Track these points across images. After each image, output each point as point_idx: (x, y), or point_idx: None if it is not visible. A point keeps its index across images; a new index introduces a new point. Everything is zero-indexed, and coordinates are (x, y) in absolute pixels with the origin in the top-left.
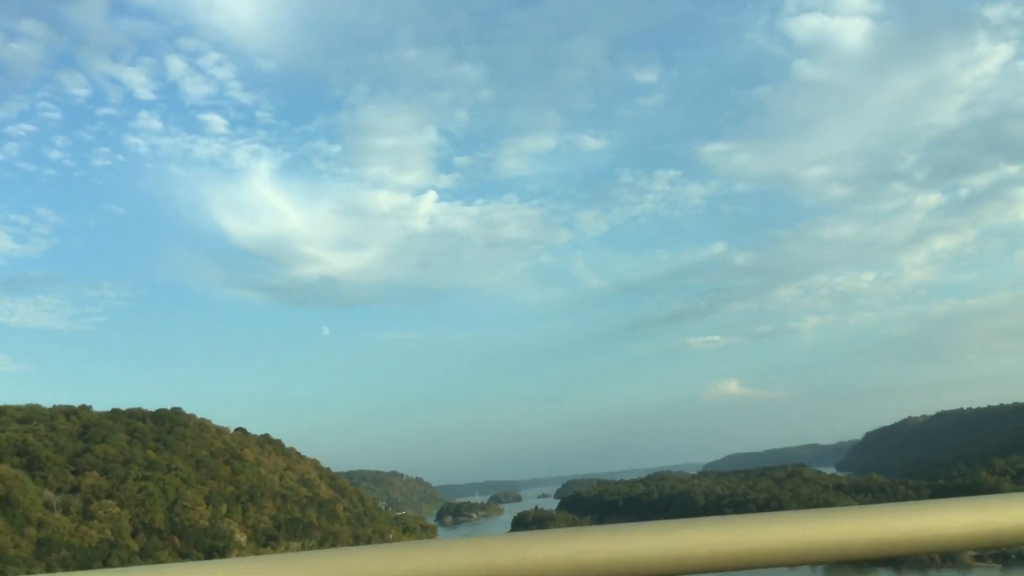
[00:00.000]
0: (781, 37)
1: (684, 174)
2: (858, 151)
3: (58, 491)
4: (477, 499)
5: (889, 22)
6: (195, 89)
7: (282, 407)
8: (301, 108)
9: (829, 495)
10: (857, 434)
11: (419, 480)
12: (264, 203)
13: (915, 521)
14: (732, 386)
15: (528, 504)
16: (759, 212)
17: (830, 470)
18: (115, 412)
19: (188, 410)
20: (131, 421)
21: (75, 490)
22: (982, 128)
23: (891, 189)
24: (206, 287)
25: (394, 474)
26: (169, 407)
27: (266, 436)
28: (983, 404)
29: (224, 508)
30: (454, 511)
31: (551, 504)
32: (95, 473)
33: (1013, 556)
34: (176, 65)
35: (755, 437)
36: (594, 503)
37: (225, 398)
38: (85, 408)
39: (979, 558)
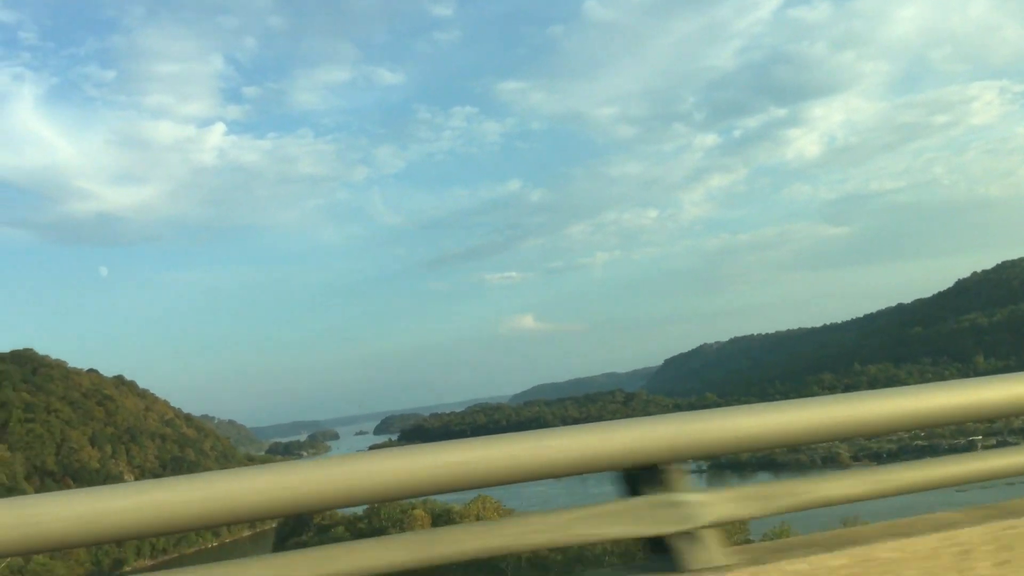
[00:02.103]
0: None
1: (481, 111)
2: (643, 92)
3: None
4: (303, 438)
5: None
6: None
7: (72, 350)
8: (70, 29)
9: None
10: (651, 361)
11: (232, 423)
12: (28, 132)
13: (814, 414)
14: (528, 320)
15: (347, 442)
16: (553, 150)
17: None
18: None
19: None
20: None
21: None
22: (755, 72)
23: (673, 130)
24: None
25: (205, 417)
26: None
27: (120, 377)
28: (771, 330)
29: (110, 449)
30: (283, 450)
31: (381, 438)
32: None
33: (885, 455)
34: None
35: (555, 368)
36: (439, 434)
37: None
38: None
39: (855, 458)
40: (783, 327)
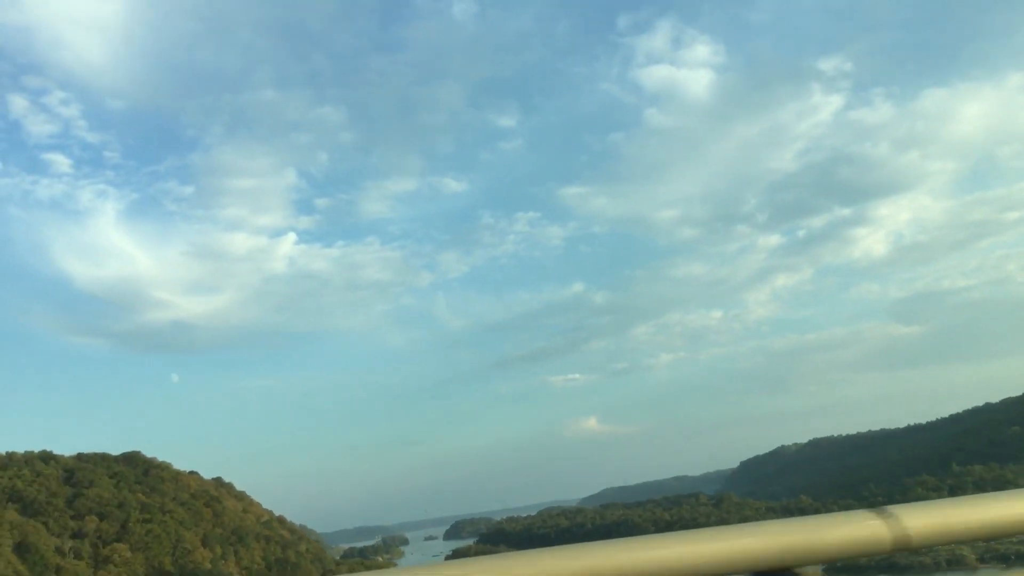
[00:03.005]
0: (632, 86)
1: (544, 216)
2: (705, 195)
3: (59, 536)
4: (376, 542)
5: (731, 73)
6: (39, 128)
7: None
8: (151, 148)
9: (772, 517)
10: (724, 464)
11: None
12: (110, 245)
13: (910, 522)
14: (592, 423)
15: (417, 547)
16: (616, 252)
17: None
18: (81, 456)
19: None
20: (112, 465)
21: (77, 535)
22: (817, 173)
23: (736, 231)
24: (45, 334)
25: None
26: (126, 450)
27: (219, 479)
28: (852, 432)
29: (219, 550)
30: (359, 555)
31: (452, 543)
32: (94, 517)
33: (1012, 557)
34: (19, 103)
35: (623, 471)
36: (520, 537)
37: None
38: (47, 452)
39: (982, 560)
40: (862, 428)
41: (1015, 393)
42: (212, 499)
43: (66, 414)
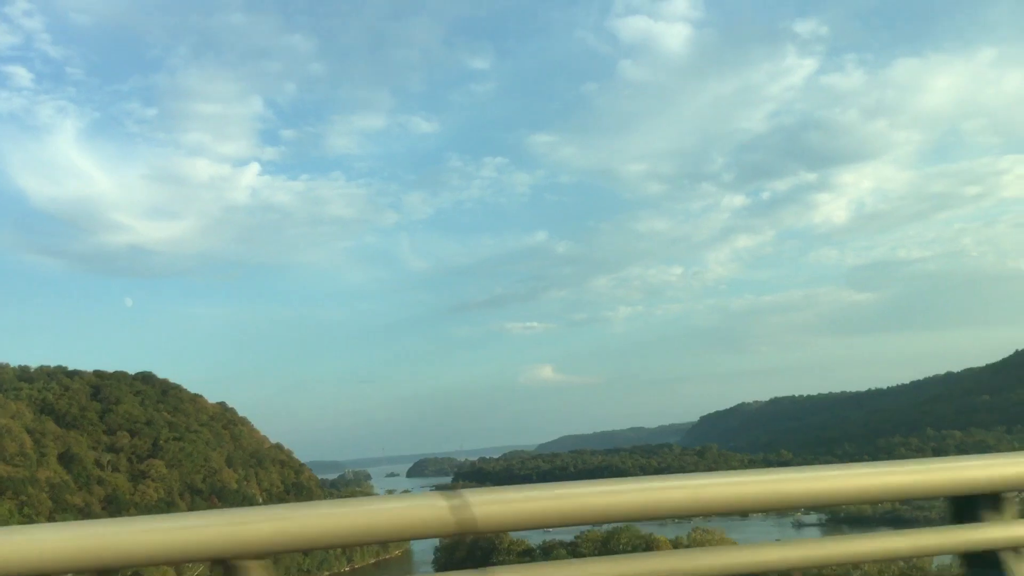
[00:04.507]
0: (608, 36)
1: (511, 162)
2: (673, 151)
3: (94, 449)
4: (349, 476)
5: (708, 29)
6: None
7: None
8: (115, 67)
9: (755, 468)
10: (678, 418)
11: None
12: (69, 164)
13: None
14: (547, 371)
15: (379, 483)
16: (581, 203)
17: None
18: (99, 373)
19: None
20: (132, 383)
21: (110, 449)
22: (785, 136)
23: (701, 189)
24: None
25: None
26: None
27: (223, 404)
28: (811, 392)
29: (242, 471)
30: (330, 486)
31: (416, 480)
32: (126, 433)
33: None
34: None
35: (578, 420)
36: (501, 477)
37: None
38: (62, 368)
39: None
40: (822, 389)
41: (975, 364)
42: (229, 422)
43: (16, 330)
